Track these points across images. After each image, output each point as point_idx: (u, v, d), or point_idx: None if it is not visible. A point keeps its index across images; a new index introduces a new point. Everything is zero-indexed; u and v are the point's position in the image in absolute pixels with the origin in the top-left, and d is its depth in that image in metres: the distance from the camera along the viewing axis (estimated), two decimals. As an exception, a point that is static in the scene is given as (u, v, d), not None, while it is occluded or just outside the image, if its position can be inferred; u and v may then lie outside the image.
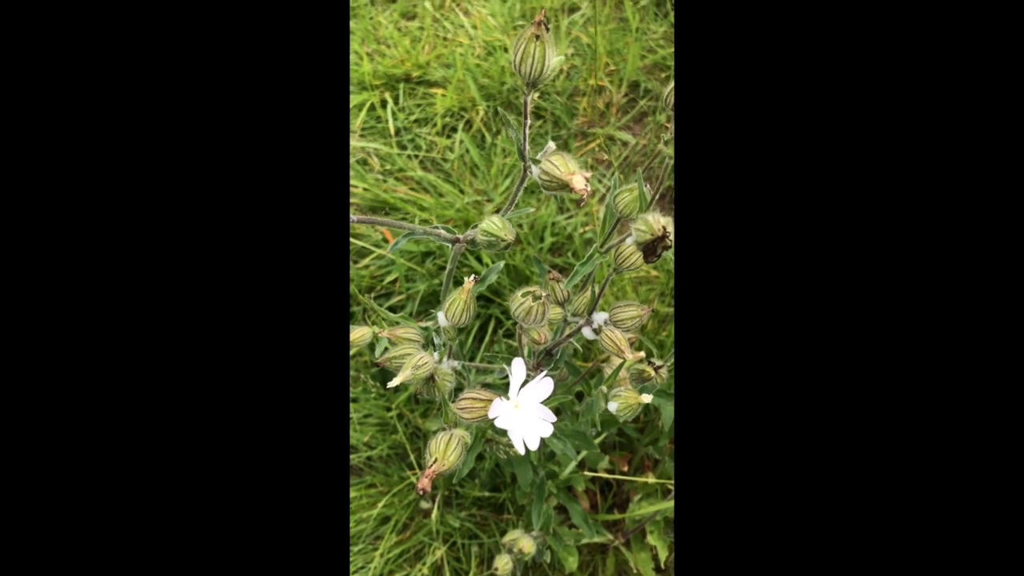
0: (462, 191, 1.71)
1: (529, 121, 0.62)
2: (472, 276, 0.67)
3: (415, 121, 1.82)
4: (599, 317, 0.79)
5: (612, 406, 0.76)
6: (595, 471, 1.38)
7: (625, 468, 1.43)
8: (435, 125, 1.79)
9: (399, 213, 1.66)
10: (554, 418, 0.56)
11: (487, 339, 1.53)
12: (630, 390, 0.75)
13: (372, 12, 1.97)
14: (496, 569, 1.19)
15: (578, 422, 1.23)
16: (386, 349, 0.89)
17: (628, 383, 0.78)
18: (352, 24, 1.92)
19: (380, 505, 1.42)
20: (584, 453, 1.31)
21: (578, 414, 1.24)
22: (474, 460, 1.16)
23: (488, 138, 1.77)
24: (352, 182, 1.71)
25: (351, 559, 1.40)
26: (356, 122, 1.79)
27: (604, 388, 0.78)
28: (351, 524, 1.42)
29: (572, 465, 1.31)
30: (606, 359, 0.93)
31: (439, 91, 1.81)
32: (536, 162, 0.65)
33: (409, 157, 1.76)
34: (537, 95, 1.81)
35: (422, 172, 1.71)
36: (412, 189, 1.69)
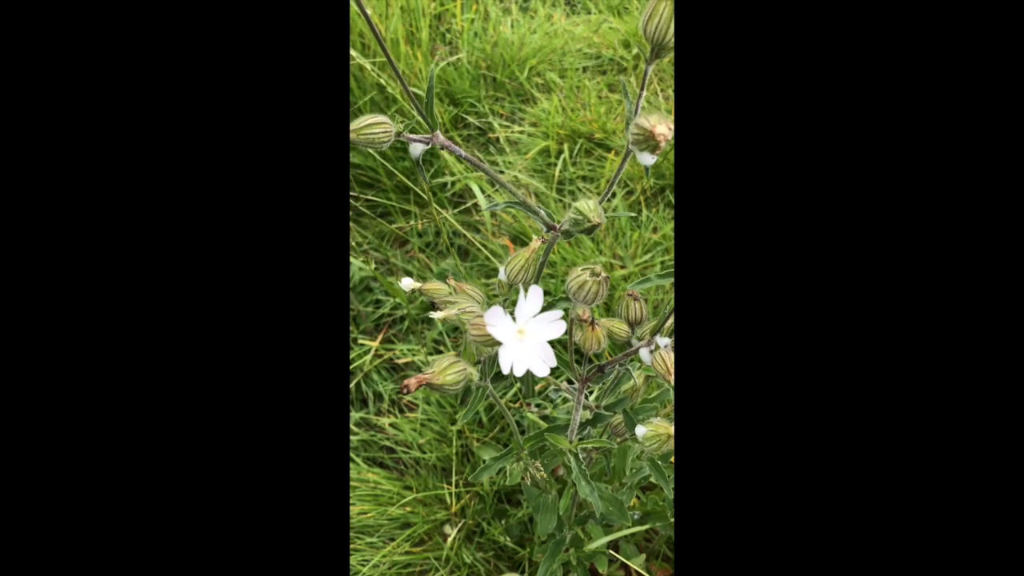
0: (600, 251, 1.71)
1: (645, 93, 0.61)
2: (540, 237, 0.66)
3: (581, 177, 1.87)
4: (661, 341, 0.74)
5: (640, 431, 0.70)
6: (627, 561, 1.25)
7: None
8: (599, 185, 1.83)
9: (533, 249, 1.68)
10: (554, 362, 0.52)
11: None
12: (664, 420, 0.69)
13: (581, 78, 2.08)
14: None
15: (622, 489, 1.14)
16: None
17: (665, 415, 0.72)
18: (559, 80, 2.04)
19: (403, 505, 1.38)
20: (618, 534, 1.20)
21: (625, 483, 1.15)
22: (516, 479, 1.10)
23: (644, 212, 1.76)
24: (502, 212, 1.77)
25: (360, 547, 1.36)
26: (526, 158, 1.87)
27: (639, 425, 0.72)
28: (372, 515, 1.39)
29: (603, 541, 1.20)
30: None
31: (613, 155, 1.86)
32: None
33: (566, 206, 1.79)
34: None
35: (569, 220, 1.73)
36: (554, 233, 1.72)
